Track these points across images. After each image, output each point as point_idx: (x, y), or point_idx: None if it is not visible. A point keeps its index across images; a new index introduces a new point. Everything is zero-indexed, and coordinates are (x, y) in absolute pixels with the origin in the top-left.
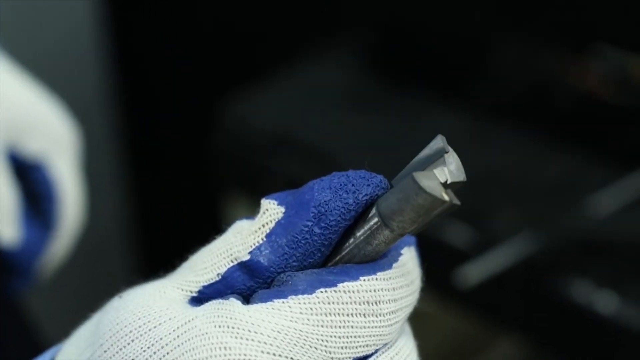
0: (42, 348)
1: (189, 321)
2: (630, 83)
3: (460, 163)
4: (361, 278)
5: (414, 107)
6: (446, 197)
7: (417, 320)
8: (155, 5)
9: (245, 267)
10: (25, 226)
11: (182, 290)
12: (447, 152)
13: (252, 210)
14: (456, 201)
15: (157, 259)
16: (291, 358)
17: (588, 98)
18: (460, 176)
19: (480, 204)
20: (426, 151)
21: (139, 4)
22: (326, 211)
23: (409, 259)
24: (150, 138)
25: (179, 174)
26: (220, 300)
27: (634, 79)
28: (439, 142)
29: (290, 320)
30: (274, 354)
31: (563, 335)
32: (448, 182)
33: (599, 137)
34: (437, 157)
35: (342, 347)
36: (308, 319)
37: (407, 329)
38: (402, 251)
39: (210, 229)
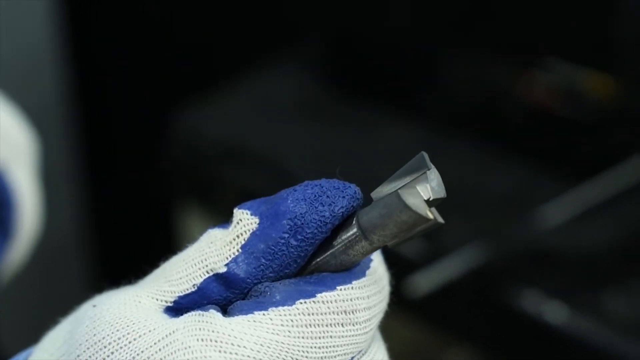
0: None
1: (170, 334)
2: (578, 96)
3: (440, 180)
4: (338, 287)
5: (366, 119)
6: (431, 216)
7: None
8: (110, 16)
9: (222, 279)
10: None
11: (157, 300)
12: (429, 169)
13: (206, 220)
14: (440, 220)
15: (112, 267)
16: None
17: (537, 111)
18: (441, 193)
19: None
20: (408, 166)
21: (95, 14)
22: (302, 224)
23: (378, 265)
24: (105, 147)
25: (134, 182)
26: (200, 312)
27: (582, 92)
28: (421, 158)
29: (272, 333)
30: None
31: (513, 345)
32: (430, 199)
33: (548, 150)
34: (419, 173)
35: (322, 357)
36: (289, 331)
37: (378, 335)
38: (372, 257)
39: (163, 237)
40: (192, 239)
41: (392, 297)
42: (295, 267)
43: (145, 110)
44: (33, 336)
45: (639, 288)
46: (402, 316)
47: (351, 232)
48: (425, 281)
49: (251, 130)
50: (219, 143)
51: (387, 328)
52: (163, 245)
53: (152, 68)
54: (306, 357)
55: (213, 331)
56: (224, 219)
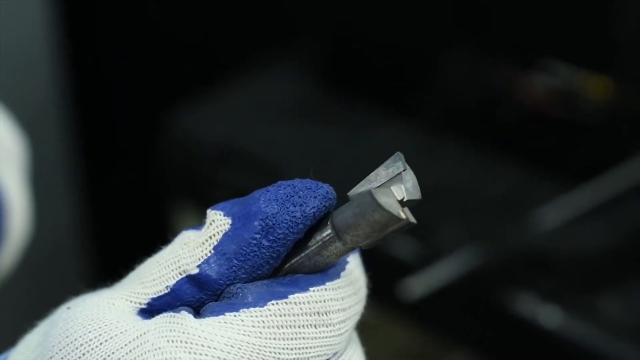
0: None
1: (141, 335)
2: (576, 97)
3: (416, 181)
4: (311, 289)
5: (362, 120)
6: (403, 215)
7: (364, 335)
8: (106, 17)
9: (194, 280)
10: None
11: (131, 302)
12: (404, 170)
13: (201, 221)
14: (412, 220)
15: (107, 269)
16: None
17: (534, 113)
18: (416, 194)
19: (425, 216)
20: (384, 167)
21: (91, 15)
22: (274, 224)
23: (354, 267)
24: (100, 147)
25: (129, 183)
26: (172, 313)
27: (580, 93)
28: (397, 159)
29: (243, 334)
30: None
31: (507, 349)
32: (404, 199)
33: (545, 152)
34: (395, 174)
35: (294, 359)
36: (260, 332)
37: (355, 337)
38: (348, 259)
39: (159, 238)
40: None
41: (385, 300)
42: (268, 268)
43: (140, 111)
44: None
45: (635, 291)
46: (396, 319)
47: (325, 233)
48: (420, 284)
49: (246, 131)
50: (214, 144)
51: (382, 331)
52: (158, 246)
53: (147, 69)
54: (278, 358)
55: (183, 332)
56: None
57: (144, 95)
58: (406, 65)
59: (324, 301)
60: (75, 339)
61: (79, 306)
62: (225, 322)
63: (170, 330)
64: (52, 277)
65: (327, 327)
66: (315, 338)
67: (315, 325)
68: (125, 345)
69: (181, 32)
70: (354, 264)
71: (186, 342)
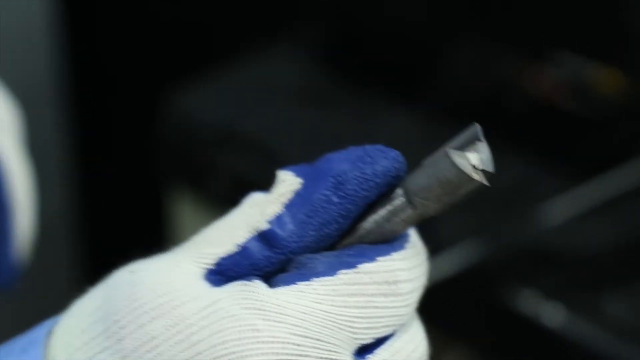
0: None
1: (215, 302)
2: (586, 90)
3: (490, 154)
4: (377, 259)
5: (366, 106)
6: (476, 176)
7: None
8: None
9: (264, 237)
10: None
11: (198, 263)
12: (480, 141)
13: (197, 205)
14: (485, 182)
15: (101, 253)
16: (318, 339)
17: (542, 105)
18: (490, 167)
19: None
20: (460, 137)
21: None
22: (344, 180)
23: (417, 239)
24: (96, 129)
25: (125, 166)
26: (244, 282)
27: (590, 86)
28: (473, 130)
29: (317, 302)
30: (303, 335)
31: (508, 347)
32: (478, 168)
33: (552, 145)
34: (470, 144)
35: (366, 328)
36: (333, 300)
37: (415, 314)
38: (410, 232)
39: (154, 221)
40: (182, 224)
41: None
42: (337, 227)
43: (138, 92)
44: (23, 319)
45: None
46: None
47: (395, 199)
48: None
49: (246, 115)
50: (212, 127)
51: None
52: (153, 230)
53: (146, 49)
54: (351, 326)
55: (258, 300)
56: (216, 205)
57: (142, 76)
58: (412, 51)
59: (392, 271)
60: (145, 303)
61: (143, 270)
62: (298, 291)
63: (244, 297)
64: (44, 261)
65: (396, 296)
66: (386, 307)
67: (385, 295)
68: (199, 311)
69: (181, 12)
70: (415, 237)
71: (261, 310)
